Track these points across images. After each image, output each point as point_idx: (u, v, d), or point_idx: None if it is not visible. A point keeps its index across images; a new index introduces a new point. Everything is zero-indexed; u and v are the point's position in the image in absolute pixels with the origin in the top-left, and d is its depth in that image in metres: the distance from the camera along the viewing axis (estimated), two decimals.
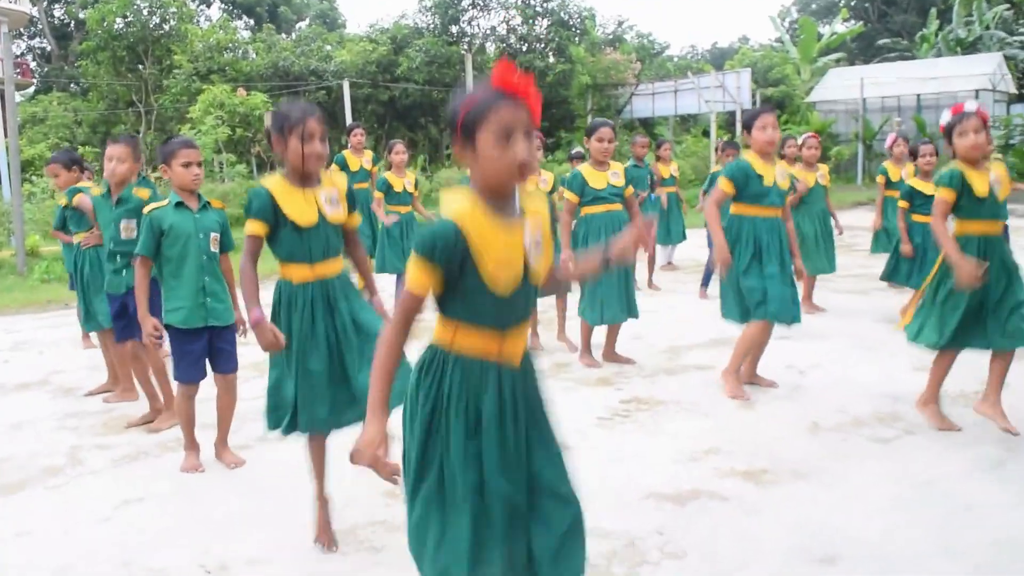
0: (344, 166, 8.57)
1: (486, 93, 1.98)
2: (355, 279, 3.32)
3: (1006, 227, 5.14)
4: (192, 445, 4.25)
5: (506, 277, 2.02)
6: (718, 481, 3.68)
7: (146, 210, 4.12)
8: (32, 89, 39.28)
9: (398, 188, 7.83)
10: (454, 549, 2.05)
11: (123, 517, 3.64)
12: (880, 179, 8.29)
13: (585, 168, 5.61)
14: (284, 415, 3.13)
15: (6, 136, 17.78)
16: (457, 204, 2.01)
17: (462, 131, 2.00)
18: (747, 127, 4.95)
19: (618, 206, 5.60)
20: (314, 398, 3.06)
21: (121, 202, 4.83)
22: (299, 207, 3.04)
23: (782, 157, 9.06)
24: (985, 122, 4.14)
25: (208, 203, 4.22)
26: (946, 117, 4.23)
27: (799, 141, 7.59)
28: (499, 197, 2.04)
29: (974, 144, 4.05)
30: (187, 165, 4.03)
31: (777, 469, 3.79)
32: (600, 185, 5.55)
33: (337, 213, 3.13)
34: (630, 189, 5.68)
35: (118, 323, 5.04)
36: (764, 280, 4.82)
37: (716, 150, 9.86)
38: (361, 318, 3.13)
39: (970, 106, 4.16)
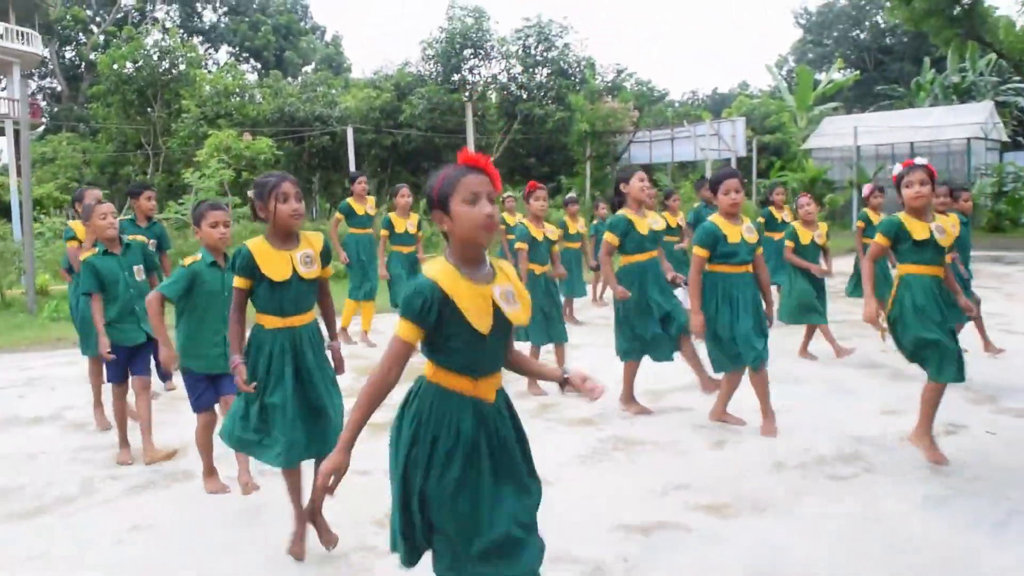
0: (349, 213, 9.02)
1: (455, 168, 2.46)
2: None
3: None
4: (212, 471, 4.63)
5: (481, 321, 2.41)
6: (684, 514, 3.99)
7: (186, 262, 4.41)
8: (42, 129, 40.01)
9: (400, 229, 8.31)
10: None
11: (134, 540, 3.94)
12: (859, 224, 8.69)
13: (627, 212, 5.70)
14: (243, 437, 3.60)
15: (19, 176, 18.25)
16: (433, 267, 2.44)
17: (438, 201, 2.44)
18: (712, 190, 5.26)
19: (655, 253, 5.81)
20: (276, 429, 3.48)
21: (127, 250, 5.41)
22: (275, 265, 3.46)
23: (770, 203, 9.49)
24: (932, 176, 4.51)
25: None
26: (898, 168, 4.61)
27: (796, 204, 7.99)
28: (471, 259, 2.47)
29: (917, 194, 4.43)
30: (214, 225, 4.35)
31: (739, 503, 4.10)
32: (644, 231, 5.70)
33: (311, 271, 3.54)
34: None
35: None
36: (736, 334, 5.15)
37: (696, 189, 10.39)
38: (325, 367, 3.61)
39: (920, 160, 4.54)
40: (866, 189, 8.92)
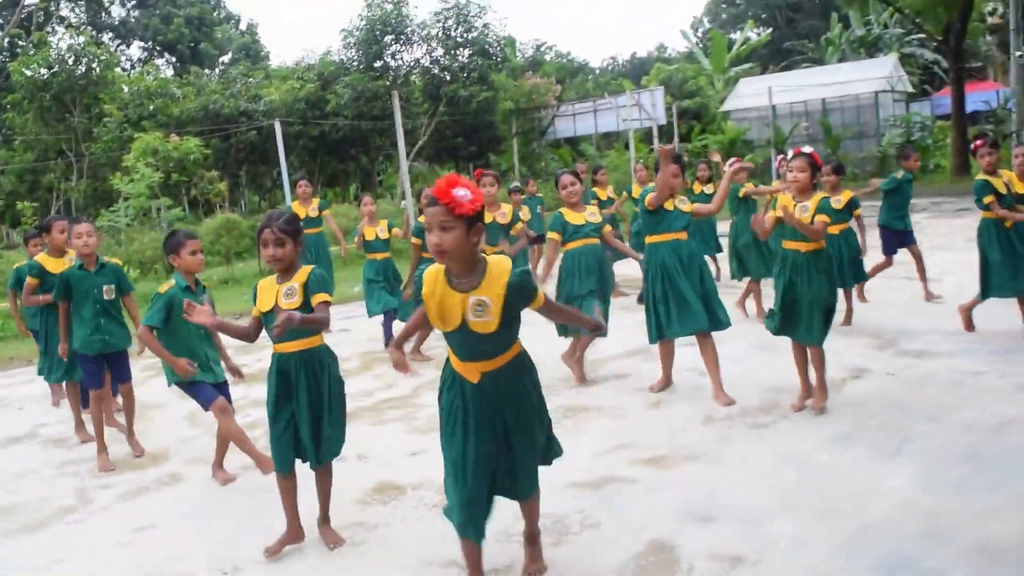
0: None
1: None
2: None
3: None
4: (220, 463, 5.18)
5: (443, 322, 3.09)
6: (627, 468, 4.58)
7: (162, 290, 4.90)
8: None
9: (370, 236, 8.57)
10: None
11: (141, 540, 4.38)
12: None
13: (564, 210, 6.31)
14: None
15: None
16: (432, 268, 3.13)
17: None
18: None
19: (595, 240, 6.31)
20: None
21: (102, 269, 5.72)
22: (265, 296, 3.91)
23: (696, 179, 10.13)
24: (815, 163, 5.16)
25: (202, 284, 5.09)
26: (790, 155, 5.26)
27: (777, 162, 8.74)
28: (455, 272, 3.07)
29: (793, 179, 5.17)
30: (194, 253, 4.88)
31: (674, 455, 4.71)
32: (578, 222, 6.29)
33: (291, 302, 3.79)
34: (607, 228, 6.43)
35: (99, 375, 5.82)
36: (669, 303, 5.70)
37: (634, 171, 11.00)
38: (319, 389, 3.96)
39: (805, 149, 5.20)
40: (777, 161, 9.69)
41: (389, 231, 8.55)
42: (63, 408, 7.48)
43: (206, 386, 4.93)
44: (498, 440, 3.25)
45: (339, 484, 4.41)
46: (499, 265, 3.05)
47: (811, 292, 5.14)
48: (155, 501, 4.96)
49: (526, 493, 3.44)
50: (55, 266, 6.43)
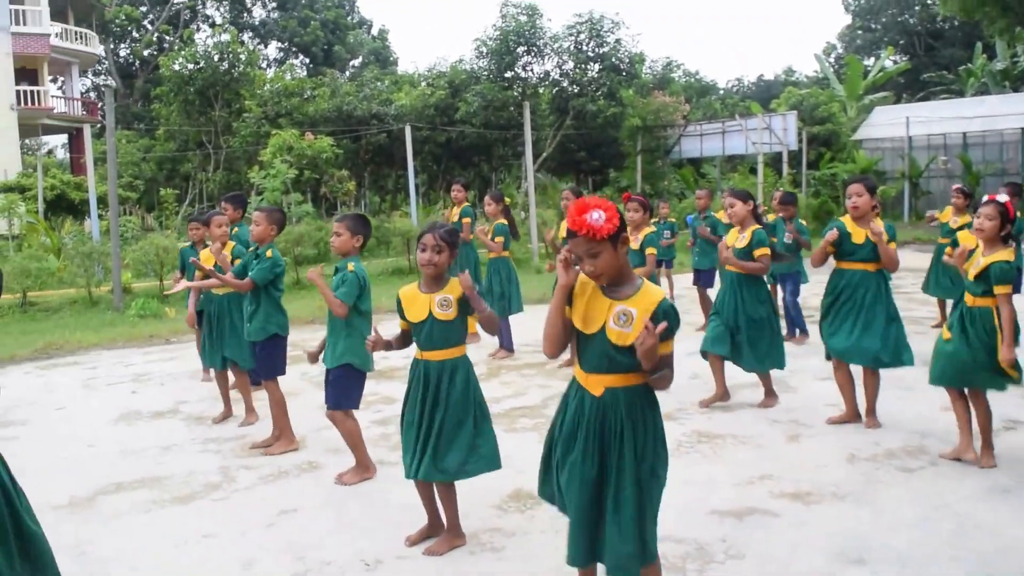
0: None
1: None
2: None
3: None
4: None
5: (584, 324, 3.02)
6: (770, 501, 4.47)
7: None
8: (99, 126, 41.30)
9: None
10: None
11: (286, 522, 4.52)
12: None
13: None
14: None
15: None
16: None
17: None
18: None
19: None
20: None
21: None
22: (415, 308, 4.00)
23: (952, 206, 9.54)
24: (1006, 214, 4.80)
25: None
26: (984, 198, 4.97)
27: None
28: (607, 283, 3.03)
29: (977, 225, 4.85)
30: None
31: (819, 492, 4.57)
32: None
33: (446, 314, 3.94)
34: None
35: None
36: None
37: (774, 201, 10.63)
38: (453, 402, 3.98)
39: (1001, 197, 4.85)
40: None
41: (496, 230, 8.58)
42: (205, 386, 7.81)
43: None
44: (608, 469, 3.03)
45: (476, 487, 4.46)
46: (655, 291, 3.00)
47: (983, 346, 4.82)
48: (296, 486, 5.12)
49: (613, 565, 3.03)
50: (205, 258, 6.67)
